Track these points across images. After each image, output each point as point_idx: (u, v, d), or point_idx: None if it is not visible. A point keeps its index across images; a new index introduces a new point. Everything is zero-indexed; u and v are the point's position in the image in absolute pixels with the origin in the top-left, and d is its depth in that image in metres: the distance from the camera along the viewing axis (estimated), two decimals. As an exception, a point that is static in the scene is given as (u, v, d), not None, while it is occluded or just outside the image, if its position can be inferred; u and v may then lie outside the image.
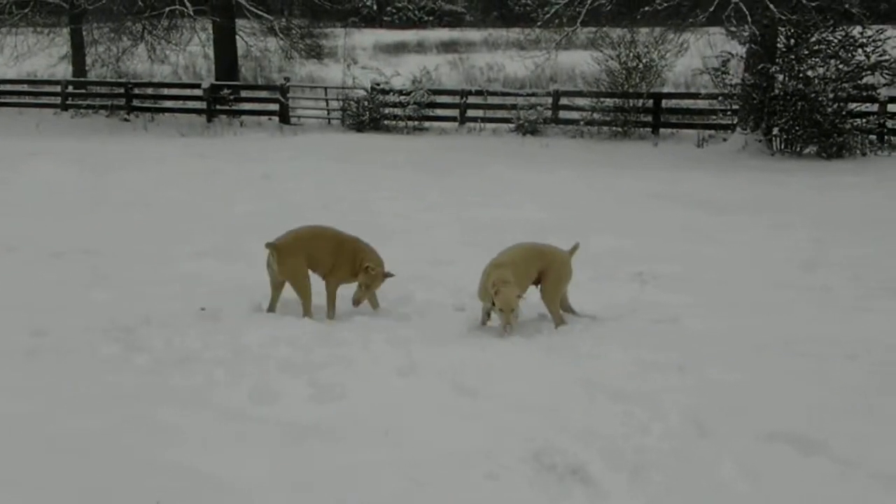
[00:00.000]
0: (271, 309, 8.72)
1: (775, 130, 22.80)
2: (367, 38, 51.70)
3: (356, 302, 8.64)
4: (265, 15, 33.64)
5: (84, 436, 5.57)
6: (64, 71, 35.84)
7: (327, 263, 8.62)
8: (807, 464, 5.39)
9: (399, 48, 50.87)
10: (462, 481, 5.12)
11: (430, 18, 66.23)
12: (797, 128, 22.38)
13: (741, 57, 23.55)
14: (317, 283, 8.69)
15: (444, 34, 58.18)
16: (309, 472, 5.21)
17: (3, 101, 34.09)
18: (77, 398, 6.23)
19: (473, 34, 56.41)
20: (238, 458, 5.34)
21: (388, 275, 8.68)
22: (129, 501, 4.82)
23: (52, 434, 5.60)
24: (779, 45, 22.84)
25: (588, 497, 5.01)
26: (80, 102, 32.49)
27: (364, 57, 43.36)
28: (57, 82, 34.10)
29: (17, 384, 6.48)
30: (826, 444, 5.55)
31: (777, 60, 22.59)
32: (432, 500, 4.94)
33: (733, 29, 23.20)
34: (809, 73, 22.37)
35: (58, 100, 33.21)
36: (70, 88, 33.38)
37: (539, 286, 8.44)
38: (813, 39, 22.33)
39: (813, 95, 21.89)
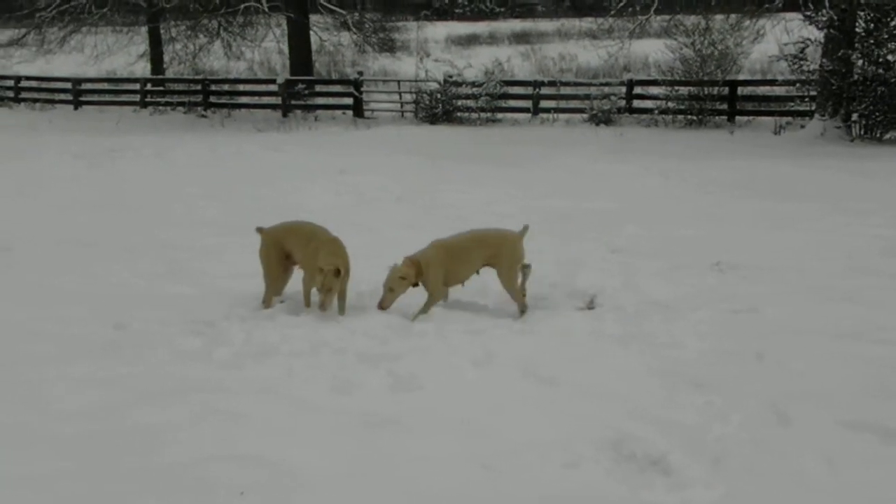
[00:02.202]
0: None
1: (855, 116, 22.44)
2: (440, 30, 51.88)
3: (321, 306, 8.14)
4: (338, 10, 33.98)
5: (165, 427, 5.67)
6: (142, 69, 36.57)
7: (300, 259, 8.54)
8: (888, 452, 5.33)
9: (471, 40, 51.02)
10: (541, 470, 5.13)
11: (502, 10, 66.30)
12: (877, 113, 22.02)
13: (819, 42, 23.19)
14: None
15: (515, 25, 58.37)
16: (387, 462, 5.25)
17: (84, 99, 34.84)
18: (157, 390, 6.34)
19: (545, 25, 56.42)
20: (317, 448, 5.40)
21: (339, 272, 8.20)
22: (212, 492, 4.90)
23: (134, 425, 5.73)
24: (858, 30, 22.43)
25: (668, 487, 4.99)
26: (158, 100, 33.16)
27: (436, 49, 43.58)
28: (136, 80, 34.81)
29: (99, 376, 6.61)
30: (909, 433, 5.48)
31: (856, 45, 22.20)
32: (512, 490, 4.95)
33: (811, 14, 22.84)
34: (890, 57, 21.95)
35: (137, 97, 33.91)
36: (149, 86, 34.04)
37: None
38: (893, 23, 21.89)
39: (893, 80, 21.51)
